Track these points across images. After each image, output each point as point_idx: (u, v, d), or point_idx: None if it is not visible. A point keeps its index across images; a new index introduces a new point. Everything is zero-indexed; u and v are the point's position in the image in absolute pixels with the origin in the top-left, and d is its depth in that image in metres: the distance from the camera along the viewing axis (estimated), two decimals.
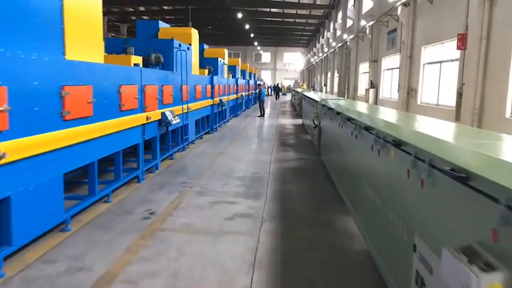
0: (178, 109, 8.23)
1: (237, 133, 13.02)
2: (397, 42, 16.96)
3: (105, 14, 29.62)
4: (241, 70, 24.25)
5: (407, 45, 14.89)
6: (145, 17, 38.75)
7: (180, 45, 8.45)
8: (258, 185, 6.33)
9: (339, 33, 32.72)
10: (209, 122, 12.66)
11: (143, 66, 6.69)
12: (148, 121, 6.45)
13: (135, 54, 6.95)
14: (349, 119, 4.72)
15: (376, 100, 20.11)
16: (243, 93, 20.16)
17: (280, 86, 48.62)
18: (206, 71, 12.59)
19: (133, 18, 35.03)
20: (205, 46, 14.58)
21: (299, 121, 17.12)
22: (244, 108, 22.52)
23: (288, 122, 17.21)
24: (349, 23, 28.28)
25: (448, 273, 1.69)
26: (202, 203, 5.34)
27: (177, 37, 8.73)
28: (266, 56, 68.62)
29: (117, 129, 5.33)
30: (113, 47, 7.59)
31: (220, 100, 13.36)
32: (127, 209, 5.04)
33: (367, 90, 20.55)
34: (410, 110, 14.75)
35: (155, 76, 6.98)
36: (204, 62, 13.32)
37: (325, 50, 39.53)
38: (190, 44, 9.53)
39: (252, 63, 63.12)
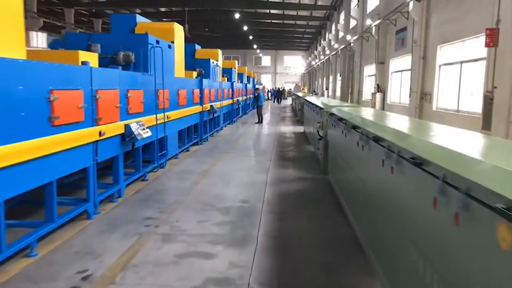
0: (151, 119, 6.67)
1: (230, 144, 11.48)
2: (407, 42, 15.45)
3: (71, 5, 27.14)
4: (238, 73, 22.83)
5: (421, 44, 13.37)
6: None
7: (157, 41, 7.07)
8: (247, 223, 4.77)
9: (341, 34, 31.26)
10: (198, 131, 11.09)
11: (109, 66, 5.55)
12: (102, 137, 4.88)
13: (102, 53, 5.88)
14: (376, 139, 3.17)
15: (383, 105, 18.58)
16: (240, 98, 18.63)
17: (281, 89, 47.01)
18: (194, 73, 11.16)
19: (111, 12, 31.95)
20: (198, 47, 13.43)
21: (300, 129, 15.59)
22: (241, 114, 20.94)
23: (288, 129, 15.68)
24: (353, 23, 26.82)
25: None
26: (164, 257, 3.76)
27: (157, 33, 7.40)
28: (266, 60, 67.59)
29: (46, 152, 3.78)
30: (74, 43, 6.29)
31: (212, 106, 11.85)
32: (52, 270, 3.47)
33: (373, 95, 19.03)
34: (425, 117, 13.21)
35: (115, 78, 5.44)
36: (194, 64, 12.08)
37: (327, 52, 38.08)
38: (172, 42, 8.18)
39: (252, 67, 62.00)
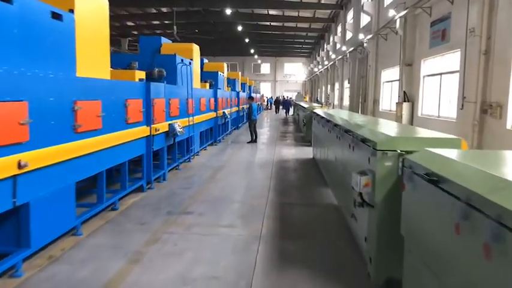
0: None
1: (199, 187, 7.22)
2: (451, 33, 11.43)
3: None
4: (231, 79, 18.93)
5: (481, 34, 9.32)
6: (130, 23, 34.20)
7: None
8: None
9: (349, 35, 27.32)
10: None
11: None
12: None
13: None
14: None
15: (411, 118, 14.50)
16: (227, 110, 14.40)
17: (287, 98, 42.19)
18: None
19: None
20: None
21: (307, 152, 11.44)
22: (230, 129, 16.63)
23: (292, 154, 11.48)
24: (365, 20, 22.89)
25: None
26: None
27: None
28: (265, 67, 64.21)
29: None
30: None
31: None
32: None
33: (398, 105, 14.93)
34: (490, 137, 9.12)
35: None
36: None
37: (332, 56, 34.08)
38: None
39: (251, 75, 58.92)
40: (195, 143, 9.75)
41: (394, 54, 16.87)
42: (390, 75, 18.30)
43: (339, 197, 5.76)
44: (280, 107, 38.27)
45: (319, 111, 9.48)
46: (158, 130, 6.74)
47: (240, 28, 34.21)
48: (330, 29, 37.37)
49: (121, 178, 5.84)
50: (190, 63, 9.03)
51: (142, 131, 6.22)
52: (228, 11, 26.86)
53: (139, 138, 6.10)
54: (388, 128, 4.46)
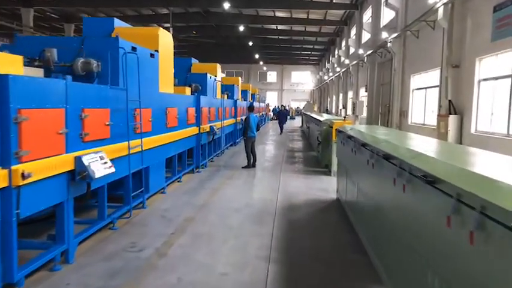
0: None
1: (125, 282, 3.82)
2: None
3: (30, 4, 22.56)
4: (228, 85, 15.68)
5: None
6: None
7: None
8: None
9: (367, 36, 23.97)
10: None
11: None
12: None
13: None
14: None
15: (461, 135, 11.00)
16: (216, 124, 10.82)
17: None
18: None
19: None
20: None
21: (325, 186, 7.99)
22: (224, 147, 13.13)
23: (302, 189, 7.92)
24: (387, 17, 19.54)
25: None
26: None
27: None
28: (272, 76, 61.32)
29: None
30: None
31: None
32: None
33: (442, 118, 11.42)
34: None
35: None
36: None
37: (346, 62, 30.67)
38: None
39: (257, 83, 56.24)
40: (151, 178, 6.38)
41: (429, 54, 13.46)
42: (424, 81, 14.84)
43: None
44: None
45: (347, 129, 6.08)
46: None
47: (243, 30, 31.22)
48: (342, 32, 34.07)
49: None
50: (152, 55, 6.40)
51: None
52: (230, 12, 23.77)
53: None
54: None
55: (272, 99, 58.41)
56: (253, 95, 26.13)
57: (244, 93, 20.87)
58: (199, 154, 9.10)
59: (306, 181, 8.58)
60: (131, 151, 5.27)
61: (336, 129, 8.57)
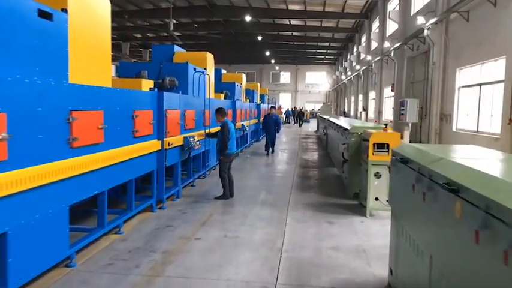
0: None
1: None
2: None
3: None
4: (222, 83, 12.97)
5: None
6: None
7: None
8: None
9: (393, 27, 20.70)
10: None
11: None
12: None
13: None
14: None
15: None
16: (194, 134, 7.54)
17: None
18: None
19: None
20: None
21: (357, 231, 4.99)
22: (211, 164, 9.27)
23: (324, 243, 4.91)
24: (420, 1, 16.28)
25: None
26: None
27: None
28: (285, 76, 58.31)
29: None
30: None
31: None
32: None
33: None
34: None
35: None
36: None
37: (367, 58, 27.32)
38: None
39: (269, 85, 53.30)
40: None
41: (487, 39, 10.26)
42: (475, 76, 11.57)
43: None
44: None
45: (408, 151, 3.03)
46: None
47: (260, 38, 29.23)
48: (362, 26, 30.79)
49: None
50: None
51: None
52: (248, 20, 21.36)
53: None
54: None
55: (286, 101, 55.46)
56: (262, 96, 23.11)
57: (250, 93, 17.87)
58: (162, 181, 6.04)
59: (328, 231, 5.39)
60: None
61: (373, 144, 5.50)
